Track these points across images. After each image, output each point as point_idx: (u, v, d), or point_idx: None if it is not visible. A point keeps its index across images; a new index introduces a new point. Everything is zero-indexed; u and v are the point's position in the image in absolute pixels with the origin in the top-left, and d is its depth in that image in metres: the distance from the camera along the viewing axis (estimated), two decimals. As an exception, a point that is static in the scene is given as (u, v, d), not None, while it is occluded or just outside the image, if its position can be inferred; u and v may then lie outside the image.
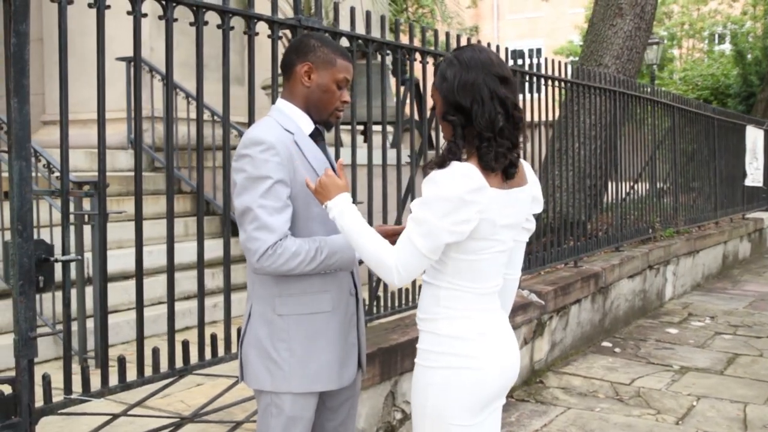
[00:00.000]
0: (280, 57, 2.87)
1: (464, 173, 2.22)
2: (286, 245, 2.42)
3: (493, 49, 5.72)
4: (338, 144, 4.16)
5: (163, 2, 3.21)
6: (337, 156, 4.18)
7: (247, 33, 3.61)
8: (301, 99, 2.63)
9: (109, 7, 3.02)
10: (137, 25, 3.15)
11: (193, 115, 8.19)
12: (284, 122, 2.57)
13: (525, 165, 2.46)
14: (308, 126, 2.63)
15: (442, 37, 5.10)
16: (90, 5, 2.98)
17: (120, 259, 6.48)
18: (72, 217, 5.51)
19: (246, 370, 2.63)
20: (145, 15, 3.17)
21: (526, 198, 2.42)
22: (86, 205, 5.44)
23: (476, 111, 2.28)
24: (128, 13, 3.12)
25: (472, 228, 2.25)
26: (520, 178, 2.39)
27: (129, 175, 8.15)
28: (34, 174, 5.90)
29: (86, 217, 5.36)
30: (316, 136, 2.67)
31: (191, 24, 3.37)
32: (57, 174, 5.40)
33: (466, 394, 2.35)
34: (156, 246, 6.18)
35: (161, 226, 6.81)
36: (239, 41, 8.74)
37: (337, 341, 2.62)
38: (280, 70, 2.77)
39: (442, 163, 2.28)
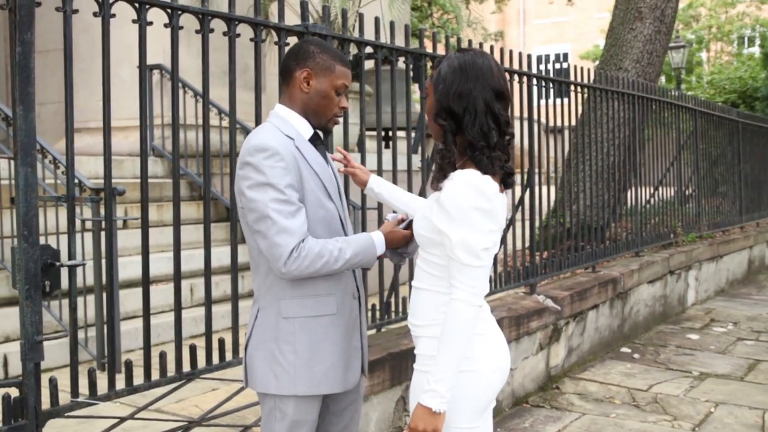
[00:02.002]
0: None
1: (481, 180, 2.24)
2: (309, 246, 2.43)
3: (516, 55, 5.74)
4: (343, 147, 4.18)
5: (169, 11, 3.25)
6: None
7: (253, 40, 3.65)
8: (300, 105, 2.64)
9: (113, 15, 3.07)
10: (143, 33, 3.19)
11: (216, 122, 8.27)
12: (284, 128, 2.58)
13: None
14: (307, 131, 2.64)
15: (464, 44, 5.12)
16: (95, 14, 3.03)
17: (139, 266, 6.55)
18: (90, 223, 5.59)
19: (251, 374, 2.65)
20: (151, 23, 3.22)
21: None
22: (115, 211, 5.50)
23: (467, 121, 2.29)
24: (133, 21, 3.17)
25: (500, 233, 2.27)
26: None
27: (152, 181, 8.23)
28: (54, 181, 5.98)
29: (103, 223, 5.41)
30: (315, 141, 2.69)
31: (197, 32, 3.41)
32: (75, 181, 5.45)
33: (469, 398, 2.36)
34: (175, 252, 6.22)
35: (184, 232, 6.91)
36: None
37: (341, 344, 2.63)
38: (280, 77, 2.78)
39: (444, 174, 2.29)
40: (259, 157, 2.45)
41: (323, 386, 2.60)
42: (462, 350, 2.27)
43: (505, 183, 2.35)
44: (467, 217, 2.22)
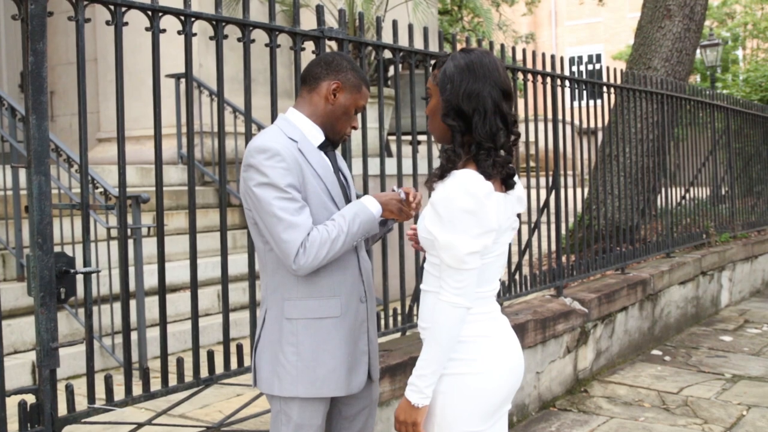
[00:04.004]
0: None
1: (473, 181, 2.22)
2: (311, 238, 2.46)
3: (548, 57, 5.70)
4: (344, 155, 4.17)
5: (182, 18, 3.27)
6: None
7: (269, 45, 3.65)
8: (320, 114, 2.66)
9: (126, 23, 3.09)
10: (155, 40, 3.21)
11: (242, 129, 8.31)
12: (288, 131, 2.60)
13: None
14: (317, 137, 2.65)
15: (492, 47, 5.09)
16: (108, 22, 3.06)
17: (166, 273, 6.58)
18: (114, 231, 5.63)
19: (258, 375, 2.66)
20: (164, 30, 3.24)
21: (515, 199, 2.41)
22: (140, 219, 5.54)
23: (476, 121, 2.28)
24: (146, 29, 3.18)
25: (494, 235, 2.25)
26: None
27: (179, 189, 8.29)
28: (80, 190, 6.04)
29: (129, 231, 5.44)
30: (326, 147, 2.69)
31: (211, 38, 3.42)
32: (100, 189, 5.51)
33: (475, 400, 2.33)
34: (203, 259, 6.27)
35: (209, 239, 6.97)
36: (287, 55, 8.88)
37: (345, 347, 2.62)
38: (301, 80, 2.77)
39: (442, 174, 2.28)
40: (261, 158, 2.48)
41: (325, 389, 2.59)
42: (446, 350, 2.27)
43: (506, 184, 2.33)
44: (455, 220, 2.20)
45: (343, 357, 2.61)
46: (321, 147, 2.67)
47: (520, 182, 2.48)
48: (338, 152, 2.88)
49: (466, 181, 2.21)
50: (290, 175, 2.48)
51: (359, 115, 2.80)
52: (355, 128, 2.74)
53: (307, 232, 2.46)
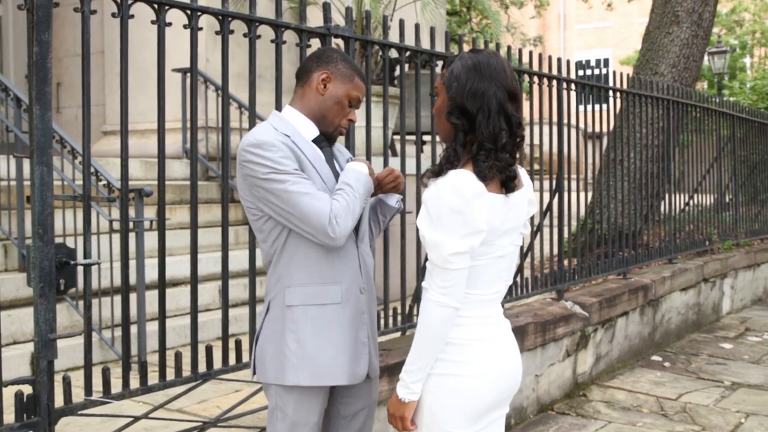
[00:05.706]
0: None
1: (462, 180, 2.21)
2: (335, 209, 2.48)
3: (554, 60, 5.70)
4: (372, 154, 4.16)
5: (188, 12, 3.27)
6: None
7: (274, 42, 3.65)
8: (312, 106, 2.66)
9: (132, 16, 3.09)
10: (161, 34, 3.20)
11: (246, 125, 8.32)
12: (280, 126, 2.61)
13: (519, 168, 2.44)
14: (310, 132, 2.65)
15: (501, 49, 5.07)
16: (114, 15, 3.06)
17: (168, 267, 6.58)
18: (116, 224, 5.63)
19: (258, 365, 2.65)
20: (170, 24, 3.23)
21: (523, 201, 2.40)
22: (143, 212, 5.54)
23: (481, 120, 2.27)
24: (152, 22, 3.18)
25: (483, 236, 2.24)
26: (517, 182, 2.37)
27: (183, 183, 8.31)
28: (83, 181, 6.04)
29: (131, 224, 5.45)
30: (321, 142, 2.69)
31: (217, 33, 3.42)
32: (104, 182, 5.52)
33: (460, 402, 2.33)
34: (205, 254, 6.27)
35: (212, 234, 6.96)
36: (294, 52, 8.86)
37: (346, 335, 2.61)
38: (296, 78, 2.79)
39: (438, 171, 2.27)
40: (259, 152, 2.49)
41: (326, 377, 2.58)
42: (433, 348, 2.28)
43: (506, 186, 2.31)
44: (443, 219, 2.20)
45: (345, 345, 2.60)
46: (316, 142, 2.68)
47: (530, 184, 2.47)
48: (342, 148, 2.88)
49: (456, 180, 2.21)
50: (292, 162, 2.50)
51: (358, 111, 2.78)
52: (352, 121, 2.73)
53: (330, 203, 2.48)
